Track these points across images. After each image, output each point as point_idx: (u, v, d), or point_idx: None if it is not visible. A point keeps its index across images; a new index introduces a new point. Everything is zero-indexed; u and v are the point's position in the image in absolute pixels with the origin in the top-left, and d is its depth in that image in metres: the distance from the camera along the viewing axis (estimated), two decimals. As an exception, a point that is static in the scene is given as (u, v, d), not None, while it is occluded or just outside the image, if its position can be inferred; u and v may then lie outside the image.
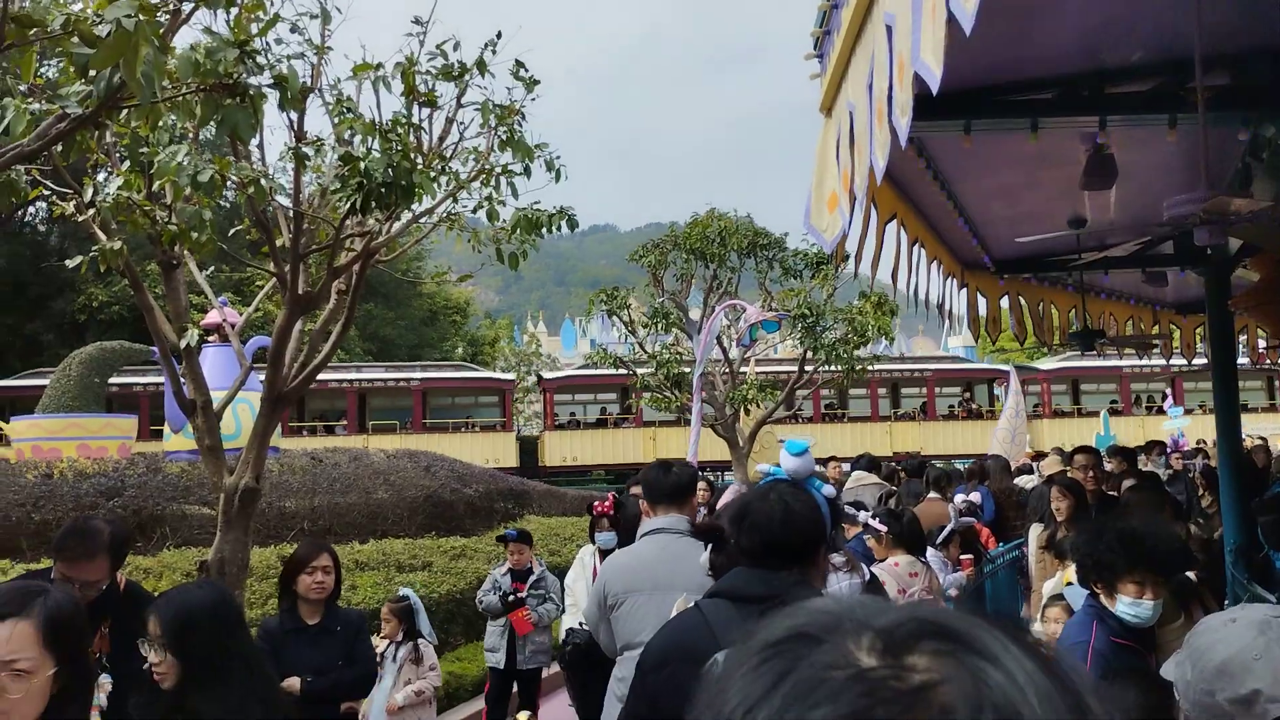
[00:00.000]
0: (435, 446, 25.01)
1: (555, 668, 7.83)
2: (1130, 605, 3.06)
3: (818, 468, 8.75)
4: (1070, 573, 4.17)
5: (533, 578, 6.53)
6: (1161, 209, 3.46)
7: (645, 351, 19.17)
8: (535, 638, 6.56)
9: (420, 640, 5.63)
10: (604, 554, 5.74)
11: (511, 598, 6.40)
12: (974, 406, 29.52)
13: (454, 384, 28.21)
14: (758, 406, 17.85)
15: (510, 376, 30.41)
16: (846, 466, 10.82)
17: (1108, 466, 8.40)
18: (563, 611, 6.44)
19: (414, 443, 24.57)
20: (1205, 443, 17.90)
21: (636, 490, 7.11)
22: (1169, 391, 26.21)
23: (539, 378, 29.85)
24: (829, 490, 2.38)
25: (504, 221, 5.36)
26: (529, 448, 27.94)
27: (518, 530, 6.79)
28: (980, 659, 0.54)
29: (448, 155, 5.14)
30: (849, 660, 0.55)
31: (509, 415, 27.83)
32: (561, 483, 21.89)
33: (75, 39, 2.34)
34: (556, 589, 6.64)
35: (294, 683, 4.08)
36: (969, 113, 3.67)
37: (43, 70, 3.49)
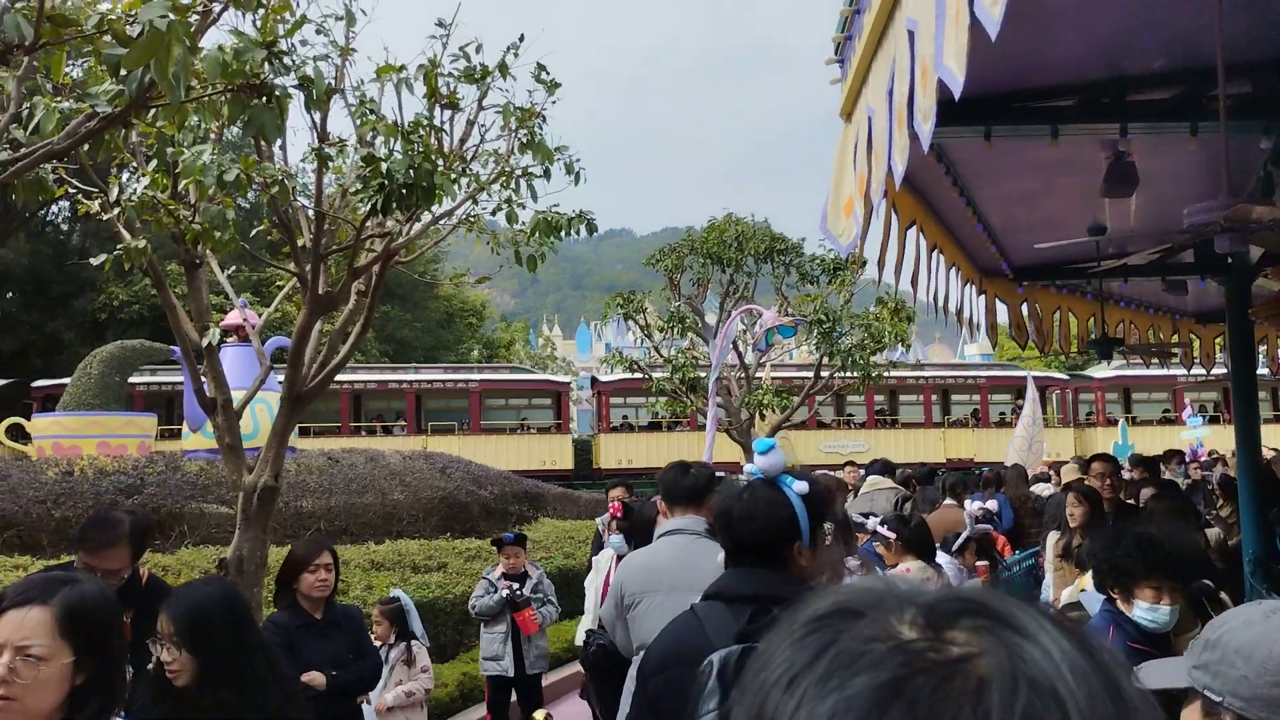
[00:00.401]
0: (493, 448, 25.45)
1: (557, 675, 7.81)
2: (1147, 610, 3.06)
3: (839, 473, 8.73)
4: (1086, 580, 4.16)
5: (531, 581, 6.46)
6: (1182, 217, 3.46)
7: (661, 355, 19.18)
8: (538, 642, 6.48)
9: (413, 642, 5.56)
10: (619, 558, 5.77)
11: (520, 595, 6.33)
12: None
13: (510, 386, 28.34)
14: (773, 411, 17.84)
15: (566, 379, 30.34)
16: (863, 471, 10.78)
17: (1126, 475, 8.35)
18: (560, 614, 6.39)
19: (472, 444, 24.90)
20: (1218, 452, 17.81)
21: (616, 492, 7.09)
22: (1188, 400, 26.12)
23: (593, 380, 29.87)
24: (800, 486, 2.38)
25: (523, 224, 5.39)
26: (583, 450, 28.02)
27: (515, 534, 6.69)
28: (1018, 635, 0.56)
29: (468, 157, 5.18)
30: (890, 633, 0.57)
31: (565, 418, 27.87)
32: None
33: (108, 38, 2.37)
34: (553, 592, 6.60)
35: (318, 678, 4.08)
36: (990, 118, 3.67)
37: (68, 70, 3.54)
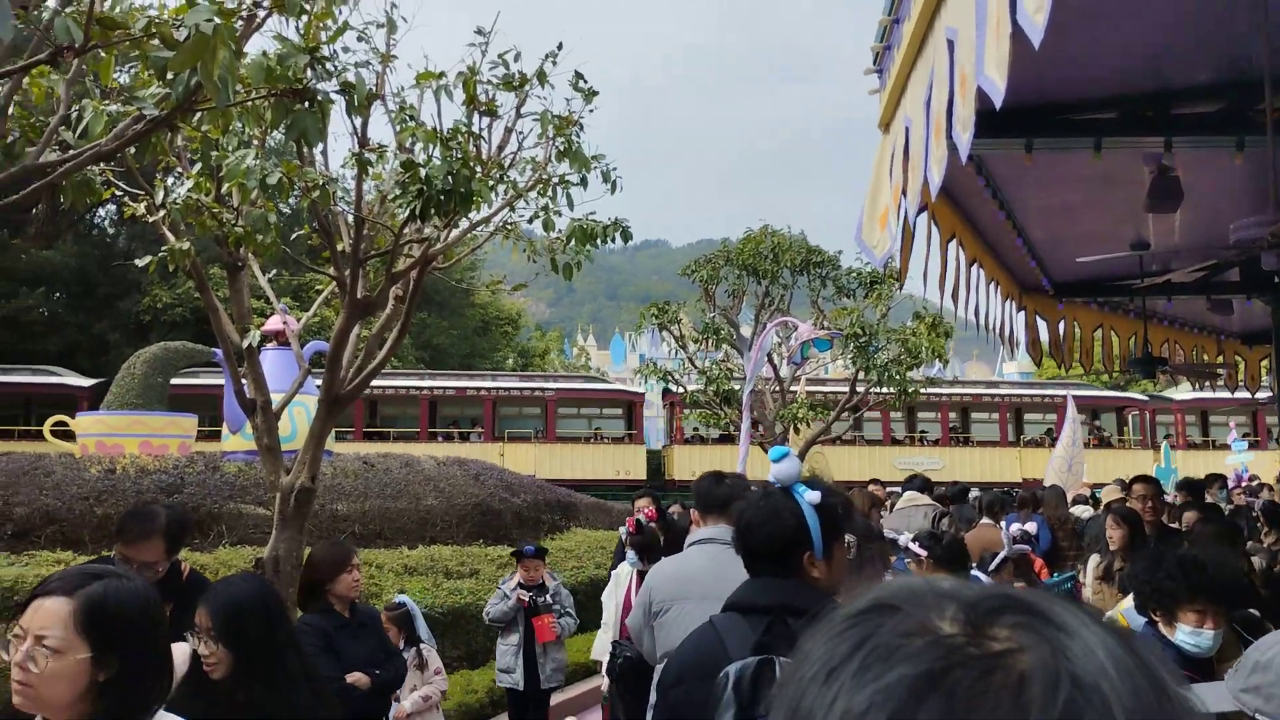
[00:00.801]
0: (569, 457, 25.77)
1: (577, 689, 7.72)
2: (1190, 634, 3.00)
3: (872, 487, 8.62)
4: (1127, 603, 4.07)
5: (549, 591, 6.35)
6: (1228, 233, 3.39)
7: (695, 367, 19.16)
8: (555, 654, 6.32)
9: (422, 645, 5.53)
10: (641, 575, 5.72)
11: (542, 600, 6.21)
12: (1105, 435, 29.05)
13: (584, 395, 28.54)
14: (807, 425, 17.73)
15: (640, 390, 30.37)
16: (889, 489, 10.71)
17: (1168, 498, 8.21)
18: (578, 626, 6.23)
19: (548, 453, 25.50)
20: (1259, 478, 17.43)
21: (643, 502, 6.95)
22: (1233, 425, 25.62)
23: (665, 392, 30.04)
24: (812, 496, 2.37)
25: (559, 232, 5.41)
26: (655, 461, 28.12)
27: (535, 547, 6.56)
28: (1061, 632, 0.55)
29: (506, 164, 5.21)
30: (929, 628, 0.56)
31: (639, 428, 27.94)
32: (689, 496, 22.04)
33: (155, 42, 2.42)
34: (571, 604, 6.47)
35: (363, 678, 4.11)
36: (1031, 131, 3.63)
37: (116, 75, 3.62)
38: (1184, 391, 28.91)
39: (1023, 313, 6.56)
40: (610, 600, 5.97)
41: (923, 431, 29.05)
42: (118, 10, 2.50)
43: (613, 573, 6.24)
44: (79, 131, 3.33)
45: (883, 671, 0.54)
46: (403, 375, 27.64)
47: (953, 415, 28.75)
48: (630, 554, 5.87)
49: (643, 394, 29.41)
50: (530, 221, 5.50)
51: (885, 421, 27.52)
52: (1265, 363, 9.13)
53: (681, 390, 19.49)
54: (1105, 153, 3.67)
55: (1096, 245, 5.31)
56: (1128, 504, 6.76)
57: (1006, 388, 30.03)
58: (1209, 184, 4.39)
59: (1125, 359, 7.82)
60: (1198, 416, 29.77)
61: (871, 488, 10.52)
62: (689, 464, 26.79)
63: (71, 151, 3.27)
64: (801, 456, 17.92)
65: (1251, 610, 4.15)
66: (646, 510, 6.22)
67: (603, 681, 6.00)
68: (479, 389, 27.02)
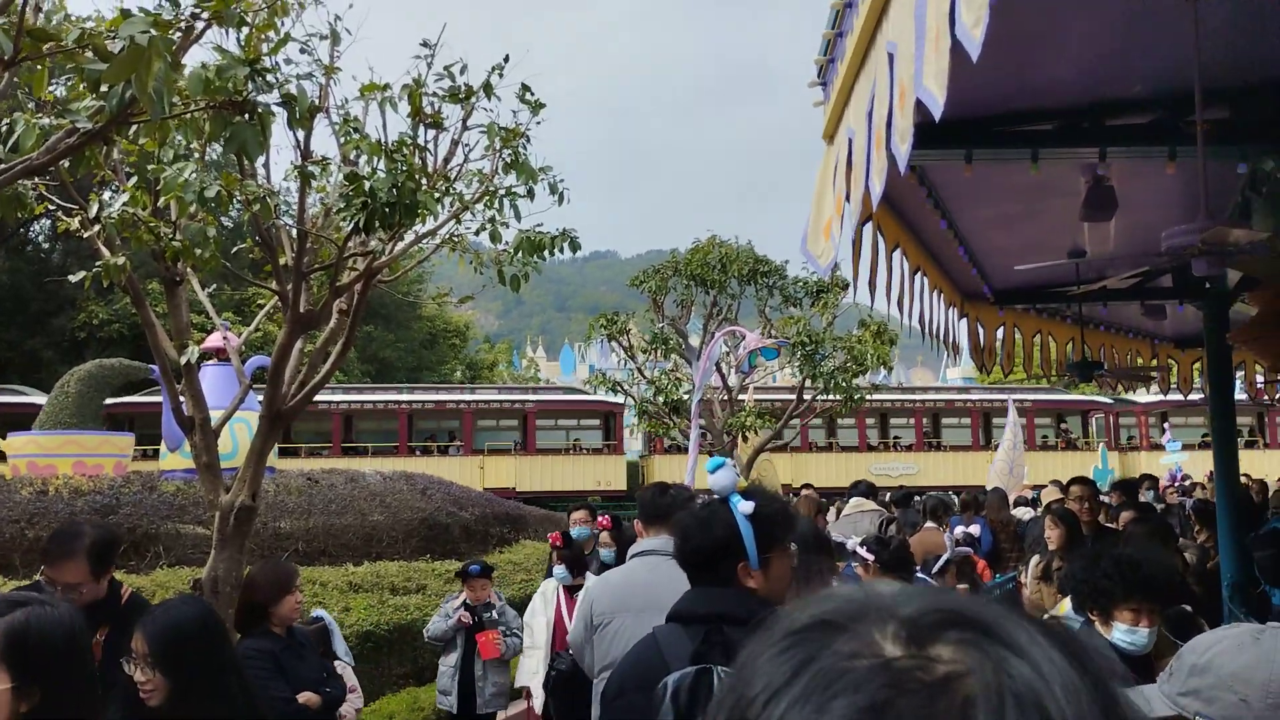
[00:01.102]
0: (546, 469, 25.71)
1: (512, 710, 7.60)
2: (1126, 633, 3.06)
3: (805, 491, 8.64)
4: (1066, 604, 4.15)
5: (494, 610, 6.09)
6: (1160, 240, 3.48)
7: (644, 377, 19.21)
8: (495, 677, 5.99)
9: (338, 662, 5.27)
10: (569, 590, 5.66)
11: (487, 616, 5.95)
12: (1073, 438, 29.63)
13: (562, 406, 28.45)
14: (755, 433, 17.87)
15: (620, 400, 30.41)
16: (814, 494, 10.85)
17: (1105, 499, 8.41)
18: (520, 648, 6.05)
19: (527, 465, 25.39)
20: (1191, 478, 17.98)
21: (579, 514, 6.78)
22: (1168, 426, 26.35)
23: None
24: (745, 506, 2.39)
25: (506, 243, 5.38)
26: (633, 472, 28.08)
27: (480, 565, 6.26)
28: (1005, 649, 0.54)
29: (452, 176, 5.18)
30: (872, 650, 0.55)
31: (619, 439, 27.81)
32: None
33: (89, 54, 2.36)
34: (518, 624, 6.16)
35: (313, 698, 4.05)
36: (970, 142, 3.70)
37: (51, 88, 3.53)
38: (1147, 396, 29.71)
39: (965, 320, 6.68)
40: (540, 617, 5.81)
41: (896, 437, 29.59)
42: (52, 22, 2.44)
43: (541, 589, 6.05)
44: (9, 145, 3.24)
45: (825, 701, 0.53)
46: (382, 390, 27.47)
47: (925, 421, 29.24)
48: (559, 568, 5.81)
49: (622, 404, 29.40)
50: (477, 234, 5.47)
51: (861, 428, 27.92)
52: (1197, 365, 9.40)
53: (631, 401, 19.52)
54: (1043, 164, 3.75)
55: (1035, 254, 5.42)
56: (1065, 505, 6.91)
57: (977, 394, 30.64)
58: (1142, 193, 4.51)
59: (1063, 363, 7.99)
60: (1159, 419, 30.61)
61: (805, 492, 10.63)
62: (669, 474, 26.77)
63: (1, 165, 3.18)
64: (749, 465, 18.02)
65: (1184, 606, 4.26)
66: (601, 520, 6.19)
67: (533, 701, 5.89)
68: (457, 402, 26.89)
